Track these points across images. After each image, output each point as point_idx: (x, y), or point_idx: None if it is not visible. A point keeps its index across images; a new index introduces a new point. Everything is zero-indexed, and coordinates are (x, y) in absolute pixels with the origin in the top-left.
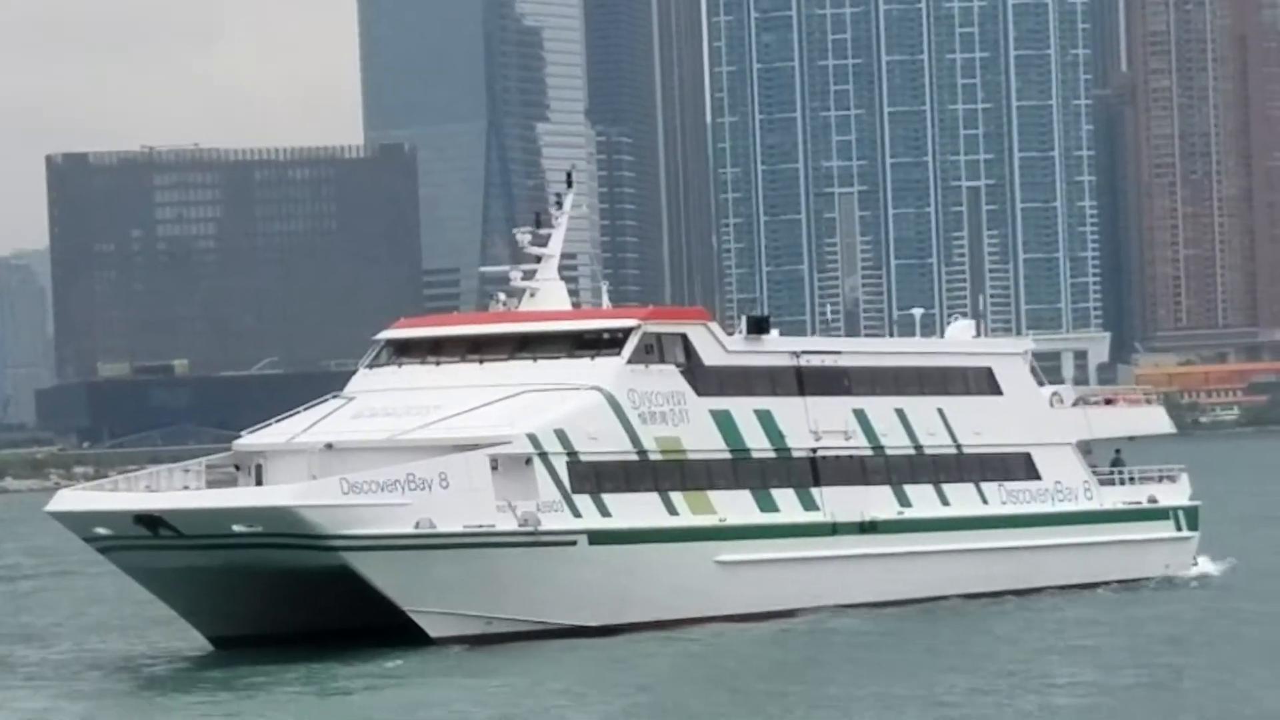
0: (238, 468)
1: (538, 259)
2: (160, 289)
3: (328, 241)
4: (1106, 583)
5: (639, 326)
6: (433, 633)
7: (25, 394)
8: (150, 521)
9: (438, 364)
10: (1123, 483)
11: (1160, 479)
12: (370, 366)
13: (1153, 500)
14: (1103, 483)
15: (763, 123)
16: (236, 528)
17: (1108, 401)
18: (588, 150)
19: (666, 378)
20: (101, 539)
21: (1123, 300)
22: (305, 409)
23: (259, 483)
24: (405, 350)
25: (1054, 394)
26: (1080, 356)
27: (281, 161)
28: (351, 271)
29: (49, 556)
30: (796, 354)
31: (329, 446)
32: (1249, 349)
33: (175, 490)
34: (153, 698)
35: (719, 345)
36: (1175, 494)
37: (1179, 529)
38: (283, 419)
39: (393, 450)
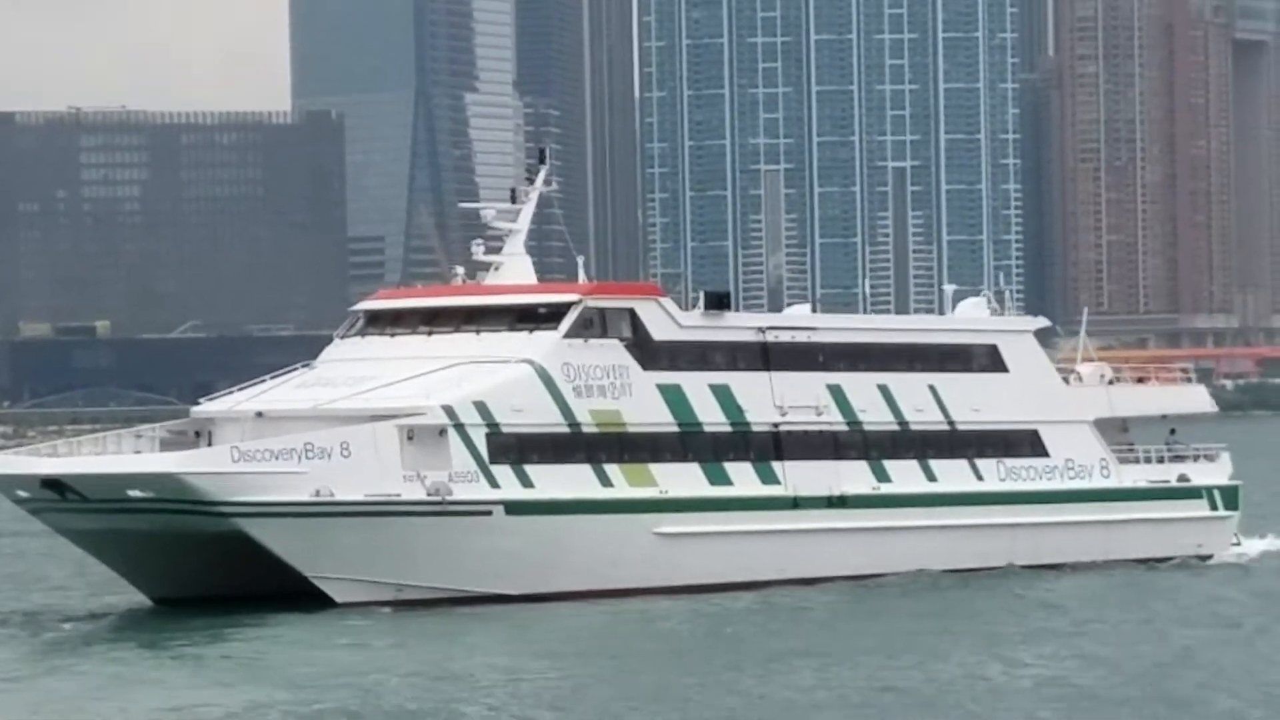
0: (197, 434)
1: (503, 234)
2: (84, 250)
3: (253, 207)
4: (1125, 561)
5: (580, 301)
6: (338, 598)
7: None
8: (56, 485)
9: (393, 336)
10: (1150, 461)
11: (1196, 458)
12: (342, 337)
13: (1184, 479)
14: (1127, 461)
15: (691, 98)
16: (132, 493)
17: (1139, 380)
18: (515, 122)
19: (608, 352)
20: (24, 501)
21: (1045, 284)
22: (271, 376)
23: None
24: (372, 322)
25: (1072, 372)
26: None
27: (208, 125)
28: (276, 237)
29: None
30: (762, 329)
31: (259, 415)
32: (1169, 335)
33: (108, 454)
34: (52, 655)
35: (671, 321)
36: (1212, 473)
37: (1214, 508)
38: (244, 386)
39: (314, 419)
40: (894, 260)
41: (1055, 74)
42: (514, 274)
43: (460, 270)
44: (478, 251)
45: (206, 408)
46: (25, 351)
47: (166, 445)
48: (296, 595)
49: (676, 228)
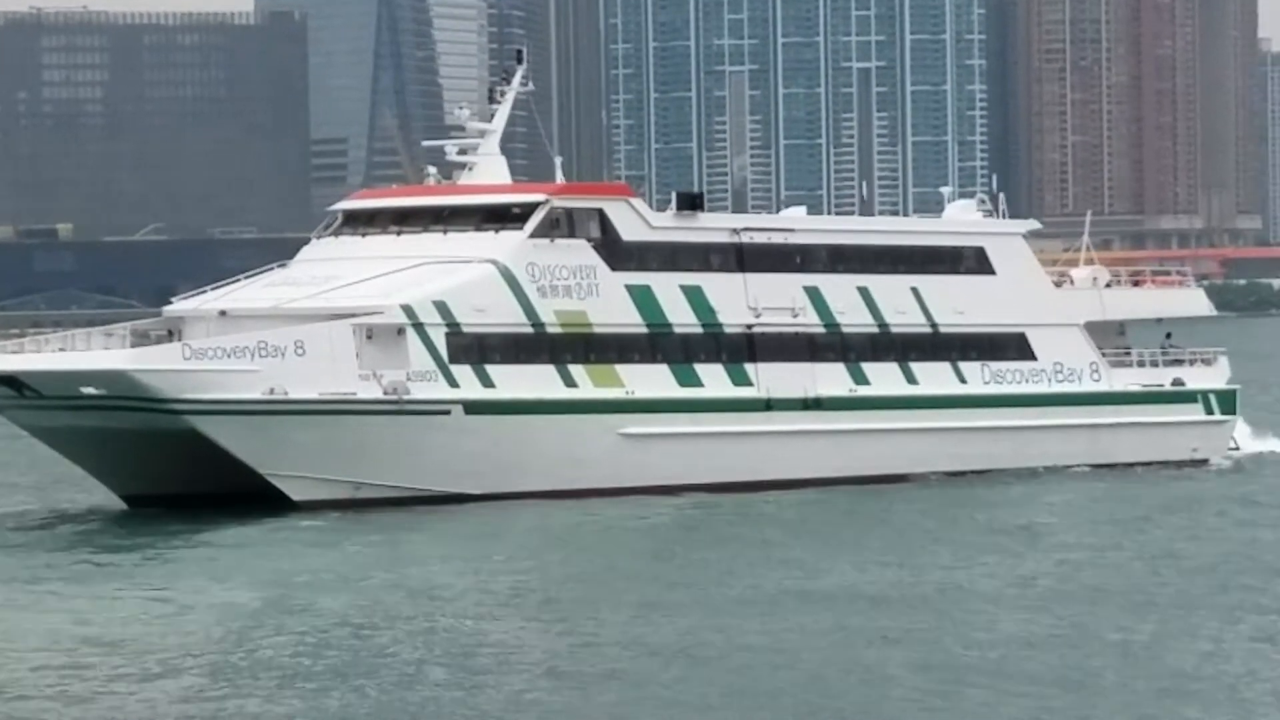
0: (170, 333)
1: (480, 134)
2: (45, 152)
3: (216, 108)
4: (1115, 465)
5: (546, 201)
6: (295, 496)
7: None
8: (12, 382)
9: (364, 236)
10: (1145, 365)
11: (1192, 362)
12: (318, 236)
13: (1178, 383)
14: (1118, 364)
15: None
16: (85, 389)
17: (1136, 283)
18: (479, 23)
19: (575, 252)
20: None
21: (1010, 186)
22: (247, 276)
23: None
24: (347, 222)
25: (1063, 274)
26: None
27: (171, 26)
28: (239, 139)
29: None
30: (736, 230)
31: (222, 314)
32: (1134, 237)
33: (65, 351)
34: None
35: (642, 221)
36: (1209, 377)
37: (1210, 412)
38: (217, 286)
39: (275, 318)
40: (858, 162)
41: None
42: (488, 174)
43: (433, 170)
44: (451, 152)
45: (177, 307)
46: None
47: (136, 344)
48: (262, 494)
49: (641, 129)
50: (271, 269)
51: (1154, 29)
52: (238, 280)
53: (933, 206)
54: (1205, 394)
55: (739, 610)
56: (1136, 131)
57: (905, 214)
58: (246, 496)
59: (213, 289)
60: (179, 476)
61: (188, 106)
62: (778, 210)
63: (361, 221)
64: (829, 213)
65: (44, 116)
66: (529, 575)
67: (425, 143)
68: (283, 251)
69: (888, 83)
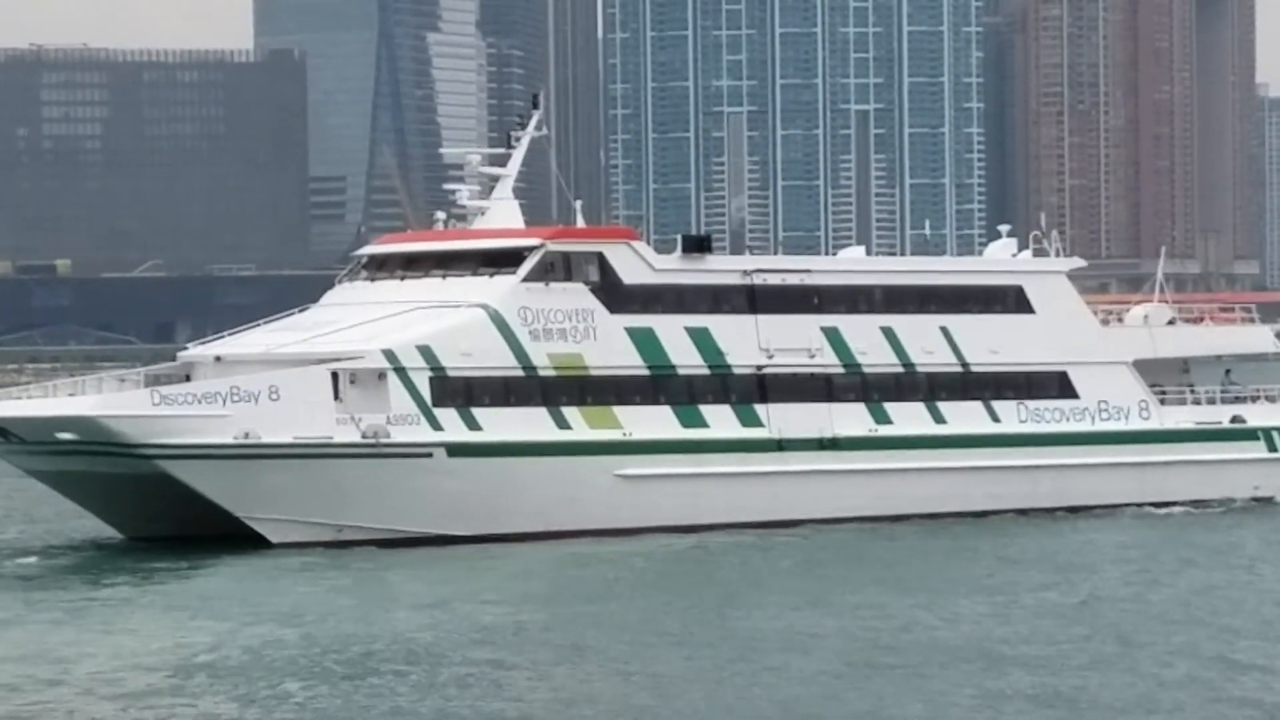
0: (187, 378)
1: (489, 177)
2: (45, 188)
3: (215, 146)
4: (1170, 504)
5: (541, 245)
6: (273, 538)
7: None
8: None
9: (373, 281)
10: (1202, 402)
11: (1255, 399)
12: (339, 281)
13: (1238, 420)
14: (1175, 402)
15: (654, 40)
16: (60, 435)
17: (1196, 320)
18: (478, 62)
19: (571, 295)
20: None
21: None
22: (274, 319)
23: None
24: (368, 266)
25: (1110, 312)
26: None
27: (170, 64)
28: (238, 177)
29: None
30: (747, 272)
31: (218, 359)
32: (1131, 280)
33: (74, 396)
34: None
35: (644, 264)
36: (1272, 414)
37: (1272, 450)
38: (243, 330)
39: (264, 364)
40: (856, 203)
41: (1019, 17)
42: (501, 219)
43: (441, 215)
44: (462, 196)
45: (191, 352)
46: None
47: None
48: (252, 537)
49: (639, 170)
50: (292, 314)
51: (1151, 73)
52: (257, 325)
53: (931, 249)
54: (1268, 431)
55: None
56: (1134, 175)
57: (902, 256)
58: (247, 538)
59: (230, 334)
60: (174, 519)
61: (187, 144)
62: (776, 251)
63: (375, 266)
64: (826, 254)
65: (43, 153)
66: None
67: (449, 187)
68: (280, 288)
69: (886, 125)
